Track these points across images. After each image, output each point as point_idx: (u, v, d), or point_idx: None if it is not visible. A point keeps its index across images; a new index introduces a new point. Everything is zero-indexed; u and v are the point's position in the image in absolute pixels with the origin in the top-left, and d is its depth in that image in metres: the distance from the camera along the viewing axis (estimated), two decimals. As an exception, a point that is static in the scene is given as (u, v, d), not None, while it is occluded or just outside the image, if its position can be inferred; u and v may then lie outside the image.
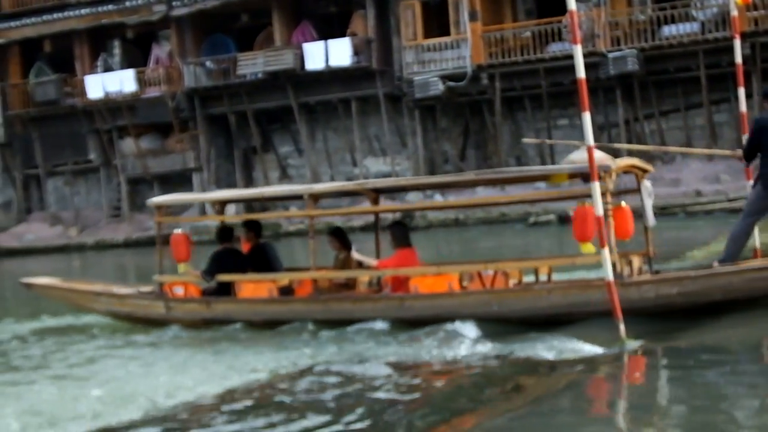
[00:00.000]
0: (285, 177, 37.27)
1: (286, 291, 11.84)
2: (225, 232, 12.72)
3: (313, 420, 7.39)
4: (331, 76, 34.82)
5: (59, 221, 38.89)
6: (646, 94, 32.18)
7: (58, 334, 12.86)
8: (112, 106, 37.63)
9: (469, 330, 10.10)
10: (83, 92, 38.02)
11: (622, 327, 9.15)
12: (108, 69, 38.37)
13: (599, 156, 10.07)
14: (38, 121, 39.22)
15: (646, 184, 10.55)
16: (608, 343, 9.11)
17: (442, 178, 16.97)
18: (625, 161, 10.79)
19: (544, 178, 11.79)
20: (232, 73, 36.27)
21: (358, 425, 7.18)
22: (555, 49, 32.15)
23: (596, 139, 10.34)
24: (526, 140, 17.39)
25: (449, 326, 10.26)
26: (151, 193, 37.57)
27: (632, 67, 31.11)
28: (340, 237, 12.25)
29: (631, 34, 31.63)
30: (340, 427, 7.15)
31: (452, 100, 34.15)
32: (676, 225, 24.87)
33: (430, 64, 33.99)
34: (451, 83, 33.55)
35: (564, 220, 28.92)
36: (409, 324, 10.58)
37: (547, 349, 9.11)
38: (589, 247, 10.06)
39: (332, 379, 8.76)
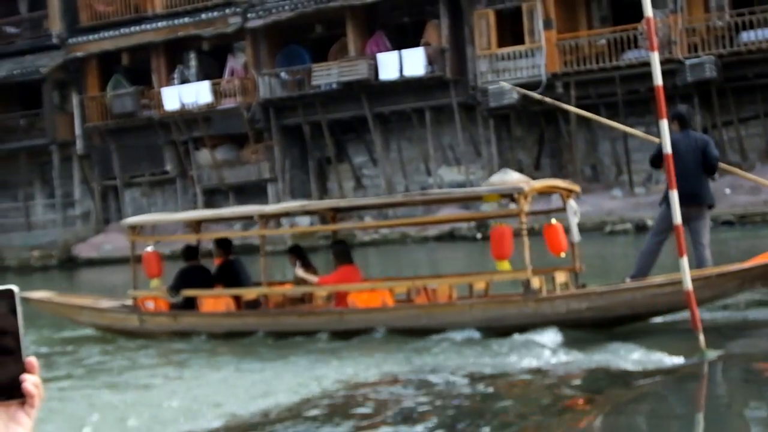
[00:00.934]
0: (360, 187, 37.28)
1: (254, 305, 12.45)
2: (190, 251, 13.52)
3: (386, 429, 7.34)
4: (405, 85, 34.78)
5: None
6: (725, 101, 31.72)
7: (119, 340, 12.99)
8: (188, 117, 37.95)
9: (548, 339, 10.11)
10: (160, 104, 38.38)
11: (701, 337, 9.00)
12: (184, 81, 38.70)
13: (516, 178, 11.21)
14: (116, 133, 39.66)
15: (572, 203, 11.24)
16: (687, 353, 8.97)
17: (372, 199, 18.03)
18: (543, 183, 11.84)
19: (467, 199, 13.29)
20: (306, 84, 36.38)
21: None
22: (631, 56, 31.81)
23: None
24: (512, 87, 16.76)
25: (527, 336, 10.30)
26: (226, 203, 37.77)
27: (710, 73, 30.68)
28: (298, 254, 12.89)
29: (708, 41, 31.21)
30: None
31: (527, 108, 33.93)
32: (756, 233, 24.46)
33: (505, 73, 33.79)
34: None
35: (639, 228, 28.61)
36: (348, 336, 11.28)
37: (625, 359, 8.99)
38: (505, 265, 11.06)
39: (407, 389, 8.72)
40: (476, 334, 10.71)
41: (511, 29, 34.12)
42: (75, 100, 40.47)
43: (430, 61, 34.52)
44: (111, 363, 11.62)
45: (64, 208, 41.12)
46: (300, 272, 12.33)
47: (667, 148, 9.29)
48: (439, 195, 14.51)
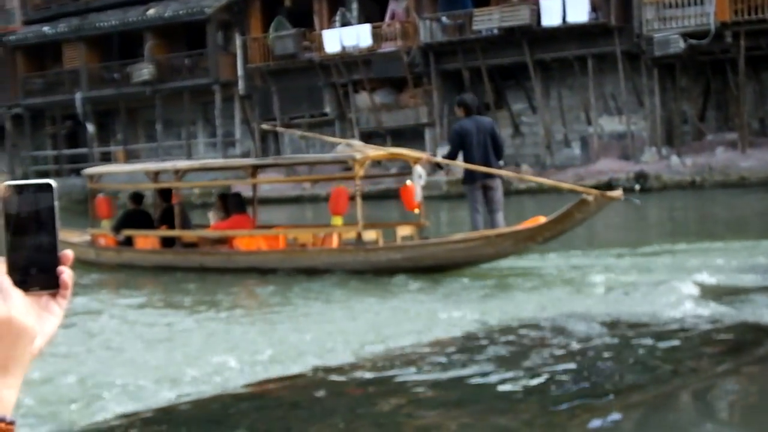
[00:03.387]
0: (518, 134, 36.87)
1: (189, 245, 14.74)
2: (136, 197, 16.08)
3: (514, 372, 7.18)
4: (568, 32, 34.13)
5: (294, 173, 39.63)
6: None
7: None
8: (348, 60, 38.03)
9: (688, 289, 9.83)
10: (321, 46, 38.55)
11: None
12: (345, 24, 38.78)
13: (357, 147, 13.59)
14: (277, 75, 40.03)
15: (417, 168, 13.10)
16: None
17: (232, 161, 21.40)
18: (382, 151, 14.30)
19: (314, 164, 16.29)
20: (467, 29, 36.04)
21: (564, 380, 6.93)
22: (807, 5, 30.52)
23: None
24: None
25: (667, 285, 10.05)
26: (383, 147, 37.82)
27: None
28: (224, 201, 14.90)
29: None
30: (542, 380, 6.92)
31: (693, 58, 32.97)
32: None
33: (672, 21, 32.85)
34: (693, 41, 32.36)
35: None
36: (236, 272, 13.51)
37: (771, 312, 8.63)
38: (338, 220, 13.27)
39: (541, 333, 8.53)
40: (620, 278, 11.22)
41: (680, -24, 33.12)
42: (238, 40, 40.97)
43: (594, 7, 33.78)
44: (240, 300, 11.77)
45: (225, 148, 41.79)
46: (210, 215, 15.03)
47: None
48: (292, 159, 18.20)
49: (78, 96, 43.93)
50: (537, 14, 34.14)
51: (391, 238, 13.34)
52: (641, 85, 34.18)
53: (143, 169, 16.78)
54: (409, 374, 7.39)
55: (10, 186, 1.37)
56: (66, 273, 1.32)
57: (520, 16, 34.32)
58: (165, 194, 15.56)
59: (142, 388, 7.26)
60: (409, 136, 37.20)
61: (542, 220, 11.99)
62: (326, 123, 39.98)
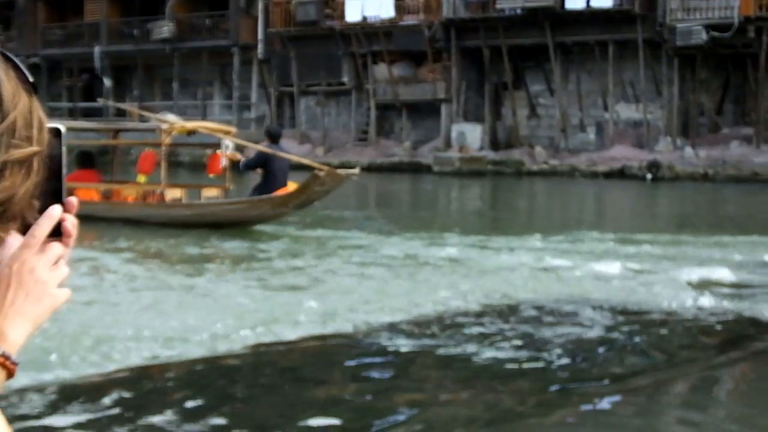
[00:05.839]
0: (533, 116, 36.80)
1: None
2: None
3: (510, 352, 7.20)
4: (591, 17, 33.99)
5: (308, 140, 39.60)
6: None
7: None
8: (368, 30, 37.91)
9: (690, 280, 9.83)
10: (342, 15, 38.45)
11: None
12: (369, -7, 38.67)
13: (170, 119, 15.66)
14: (297, 40, 39.92)
15: (225, 141, 15.47)
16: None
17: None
18: (190, 123, 16.14)
19: (127, 130, 18.37)
20: (490, 7, 35.91)
21: (559, 363, 6.96)
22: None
23: None
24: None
25: (669, 275, 10.04)
26: (398, 120, 37.79)
27: None
28: (81, 157, 16.55)
29: None
30: (538, 361, 6.95)
31: (715, 51, 32.82)
32: None
33: (696, 12, 32.71)
34: (716, 33, 32.22)
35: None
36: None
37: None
38: (141, 178, 16.04)
39: (538, 316, 8.55)
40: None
41: (706, -34, 32.95)
42: (260, 4, 40.87)
43: (620, -7, 33.62)
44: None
45: (240, 111, 41.77)
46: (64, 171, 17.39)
47: None
48: (113, 125, 19.14)
49: (97, 50, 43.92)
50: (562, -4, 34.01)
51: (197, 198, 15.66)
52: (660, 74, 34.07)
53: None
54: (404, 347, 7.42)
55: None
56: (69, 221, 1.29)
57: (545, -3, 34.17)
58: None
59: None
60: (426, 110, 37.16)
61: (291, 188, 14.39)
62: (343, 92, 39.93)
